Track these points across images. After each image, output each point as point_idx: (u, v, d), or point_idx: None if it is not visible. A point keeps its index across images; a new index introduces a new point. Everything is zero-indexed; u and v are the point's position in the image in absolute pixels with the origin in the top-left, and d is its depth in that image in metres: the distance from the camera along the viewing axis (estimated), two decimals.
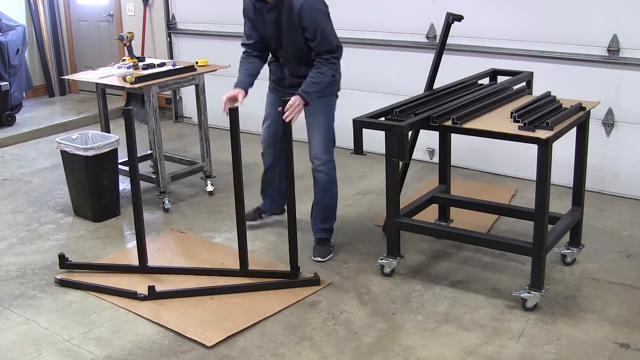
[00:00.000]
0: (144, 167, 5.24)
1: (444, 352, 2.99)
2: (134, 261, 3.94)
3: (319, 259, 3.84)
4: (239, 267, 3.65)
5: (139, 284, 3.60)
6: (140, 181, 4.65)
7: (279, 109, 3.55)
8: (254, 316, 3.29)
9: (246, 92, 3.81)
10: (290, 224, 3.55)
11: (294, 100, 3.53)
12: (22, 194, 5.11)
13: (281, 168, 4.10)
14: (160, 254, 3.99)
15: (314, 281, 3.57)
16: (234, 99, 3.73)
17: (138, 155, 5.10)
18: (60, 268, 3.76)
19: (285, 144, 3.48)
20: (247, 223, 4.10)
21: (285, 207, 3.94)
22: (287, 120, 3.47)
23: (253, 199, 4.36)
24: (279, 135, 3.96)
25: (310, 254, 3.86)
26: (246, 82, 3.84)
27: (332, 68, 3.66)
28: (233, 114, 3.44)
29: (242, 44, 3.95)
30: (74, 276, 3.73)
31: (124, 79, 4.48)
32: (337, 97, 3.93)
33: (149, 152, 5.14)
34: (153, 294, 3.46)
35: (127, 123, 3.49)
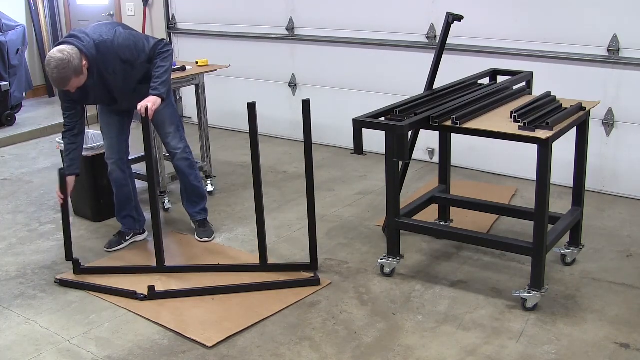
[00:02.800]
0: (142, 167, 5.23)
1: (444, 352, 2.99)
2: (136, 260, 3.96)
3: (205, 239, 4.04)
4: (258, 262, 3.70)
5: (142, 284, 3.60)
6: (140, 181, 4.67)
7: (137, 110, 3.57)
8: (254, 316, 3.29)
9: (77, 176, 3.82)
10: (310, 215, 3.58)
11: (149, 99, 3.55)
12: (22, 194, 5.11)
13: (133, 183, 4.14)
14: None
15: (314, 281, 3.57)
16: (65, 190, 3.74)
17: (137, 156, 5.11)
18: (74, 274, 3.75)
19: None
20: (109, 250, 4.09)
21: (145, 228, 4.12)
22: (146, 112, 3.50)
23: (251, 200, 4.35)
24: (124, 148, 4.02)
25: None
26: (75, 167, 3.78)
27: (167, 56, 3.67)
28: (252, 110, 3.43)
29: (64, 121, 3.78)
30: (74, 276, 3.73)
31: None
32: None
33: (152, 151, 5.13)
34: (152, 294, 3.46)
35: (144, 125, 3.48)
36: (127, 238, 4.15)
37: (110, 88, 3.68)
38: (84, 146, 4.38)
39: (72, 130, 3.74)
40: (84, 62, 3.45)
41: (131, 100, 3.72)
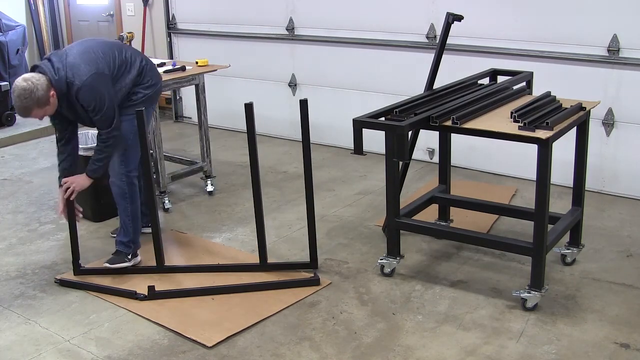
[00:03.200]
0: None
1: (444, 352, 2.99)
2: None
3: (107, 265, 3.75)
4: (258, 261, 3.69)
5: (142, 283, 3.60)
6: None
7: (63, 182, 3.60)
8: (254, 316, 3.29)
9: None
10: (309, 215, 3.57)
11: (75, 179, 3.59)
12: (22, 194, 5.11)
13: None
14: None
15: (314, 281, 3.57)
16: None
17: None
18: (74, 275, 3.75)
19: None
20: (114, 235, 4.08)
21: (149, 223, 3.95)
22: (67, 194, 3.57)
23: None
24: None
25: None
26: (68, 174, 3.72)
27: (106, 147, 3.55)
28: (249, 110, 3.43)
29: (57, 141, 3.73)
30: (74, 276, 3.73)
31: None
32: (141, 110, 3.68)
33: (149, 152, 5.13)
34: (152, 294, 3.46)
35: (139, 124, 3.49)
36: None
37: (84, 118, 3.61)
38: (85, 146, 4.39)
39: (61, 141, 3.69)
40: (52, 93, 3.38)
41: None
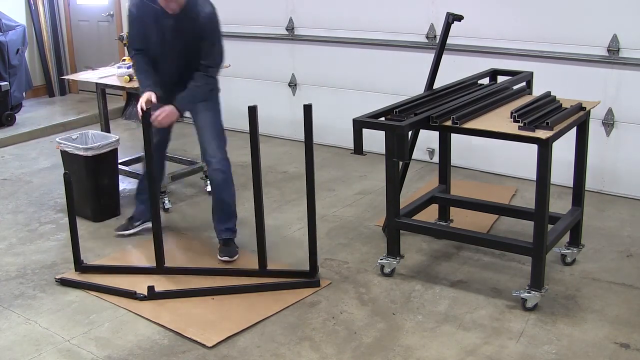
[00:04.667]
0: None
1: (444, 352, 2.99)
2: (138, 261, 3.96)
3: (226, 258, 3.83)
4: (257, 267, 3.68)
5: (141, 283, 3.61)
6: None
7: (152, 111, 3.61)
8: (254, 316, 3.29)
9: (157, 95, 3.75)
10: (310, 222, 3.55)
11: (165, 109, 3.62)
12: (22, 194, 5.11)
13: (162, 175, 4.19)
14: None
15: (314, 282, 3.57)
16: (149, 101, 3.67)
17: (136, 156, 5.12)
18: (75, 271, 3.75)
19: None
20: (118, 233, 4.17)
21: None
22: (154, 122, 3.59)
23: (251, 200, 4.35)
24: (164, 143, 4.07)
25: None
26: (155, 86, 3.76)
27: (210, 82, 3.71)
28: (252, 113, 3.43)
29: (135, 49, 3.82)
30: (75, 275, 3.73)
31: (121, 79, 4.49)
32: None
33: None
34: (152, 294, 3.46)
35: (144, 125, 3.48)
36: (135, 224, 4.22)
37: (175, 40, 3.68)
38: (85, 146, 4.40)
39: (144, 64, 3.78)
40: None
41: (177, 65, 3.75)
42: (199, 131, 3.87)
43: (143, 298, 3.46)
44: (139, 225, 4.21)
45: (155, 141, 3.76)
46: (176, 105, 3.68)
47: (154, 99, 3.67)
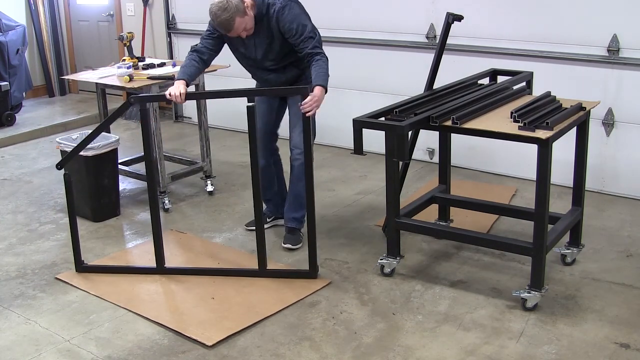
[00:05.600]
0: (142, 167, 5.24)
1: (444, 352, 2.99)
2: (137, 261, 3.96)
3: (289, 245, 3.92)
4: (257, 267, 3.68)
5: (141, 283, 3.61)
6: (140, 181, 4.67)
7: (298, 104, 3.52)
8: (254, 315, 3.29)
9: (188, 85, 3.74)
10: (310, 222, 3.56)
11: (316, 93, 3.48)
12: (22, 194, 5.11)
13: (277, 169, 4.18)
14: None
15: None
16: (178, 95, 3.65)
17: (136, 156, 5.12)
18: (76, 271, 3.76)
19: (305, 143, 3.49)
20: (249, 228, 4.20)
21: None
22: (308, 114, 3.44)
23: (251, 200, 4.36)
24: (269, 134, 4.05)
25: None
26: (190, 77, 3.76)
27: (325, 59, 3.63)
28: (251, 112, 3.45)
29: (199, 44, 3.84)
30: (75, 276, 3.74)
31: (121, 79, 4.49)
32: None
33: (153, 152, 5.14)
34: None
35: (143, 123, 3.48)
36: (267, 220, 4.22)
37: (268, 49, 3.69)
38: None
39: (202, 54, 3.78)
40: (246, 3, 3.51)
41: (278, 68, 3.77)
42: (291, 120, 3.91)
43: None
44: (271, 221, 4.26)
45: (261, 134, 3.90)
46: (321, 84, 3.52)
47: (182, 89, 3.63)
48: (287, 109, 4.00)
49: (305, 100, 3.43)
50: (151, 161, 3.64)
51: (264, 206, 4.22)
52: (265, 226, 4.13)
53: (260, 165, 4.05)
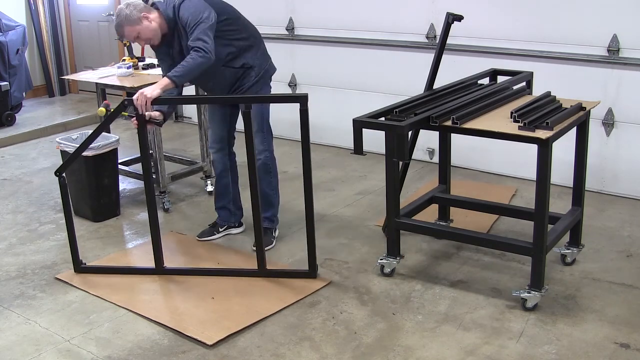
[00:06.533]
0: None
1: (444, 352, 2.99)
2: (137, 261, 3.96)
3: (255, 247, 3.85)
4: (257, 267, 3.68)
5: (141, 283, 3.61)
6: (140, 181, 4.66)
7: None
8: (254, 315, 3.29)
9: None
10: (308, 222, 3.56)
11: (148, 89, 3.47)
12: (22, 194, 5.11)
13: (233, 175, 4.14)
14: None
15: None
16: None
17: (136, 156, 5.11)
18: (75, 272, 3.76)
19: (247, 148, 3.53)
20: (202, 239, 4.16)
21: (243, 221, 4.06)
22: (136, 103, 3.43)
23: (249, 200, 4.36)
24: (225, 140, 4.04)
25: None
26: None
27: (200, 53, 3.45)
28: (247, 116, 3.45)
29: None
30: (75, 276, 3.74)
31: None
32: (269, 87, 3.99)
33: (149, 152, 5.14)
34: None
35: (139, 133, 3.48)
36: (220, 230, 4.18)
37: (180, 54, 3.68)
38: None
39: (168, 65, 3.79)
40: (147, 15, 3.56)
41: (216, 81, 3.74)
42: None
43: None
44: (223, 230, 4.19)
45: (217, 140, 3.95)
46: (169, 77, 3.47)
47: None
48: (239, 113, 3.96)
49: None
50: (148, 163, 3.63)
51: (217, 213, 4.21)
52: (218, 236, 4.16)
53: (217, 173, 4.10)
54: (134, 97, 3.45)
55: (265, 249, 3.85)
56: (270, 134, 3.96)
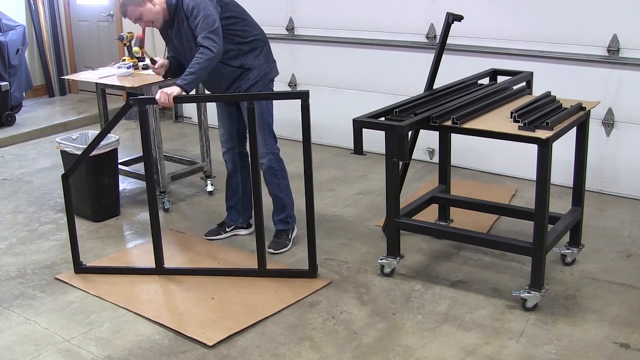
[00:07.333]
0: (142, 167, 5.23)
1: (444, 352, 2.99)
2: (137, 261, 3.96)
3: (270, 250, 3.88)
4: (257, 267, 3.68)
5: (141, 283, 3.61)
6: (140, 181, 4.66)
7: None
8: (255, 315, 3.29)
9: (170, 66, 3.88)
10: (309, 222, 3.56)
11: (167, 89, 3.53)
12: (22, 194, 5.11)
13: (244, 175, 4.11)
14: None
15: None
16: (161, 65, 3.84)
17: (136, 156, 5.12)
18: (75, 273, 3.76)
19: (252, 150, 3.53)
20: (209, 238, 4.16)
21: (252, 222, 3.98)
22: (159, 101, 3.52)
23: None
24: (235, 140, 4.02)
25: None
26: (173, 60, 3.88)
27: (207, 52, 3.48)
28: (252, 114, 3.44)
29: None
30: (75, 276, 3.74)
31: None
32: (270, 91, 3.97)
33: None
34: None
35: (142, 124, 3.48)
36: (227, 229, 4.17)
37: (186, 49, 3.69)
38: (84, 146, 4.38)
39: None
40: None
41: (211, 76, 3.70)
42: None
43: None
44: (230, 230, 4.18)
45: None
46: (177, 83, 3.54)
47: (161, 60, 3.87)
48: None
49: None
50: (150, 163, 3.63)
51: (227, 213, 4.21)
52: (224, 236, 4.15)
53: (228, 170, 4.08)
54: (157, 97, 3.53)
55: (280, 251, 3.90)
56: (273, 136, 3.92)
